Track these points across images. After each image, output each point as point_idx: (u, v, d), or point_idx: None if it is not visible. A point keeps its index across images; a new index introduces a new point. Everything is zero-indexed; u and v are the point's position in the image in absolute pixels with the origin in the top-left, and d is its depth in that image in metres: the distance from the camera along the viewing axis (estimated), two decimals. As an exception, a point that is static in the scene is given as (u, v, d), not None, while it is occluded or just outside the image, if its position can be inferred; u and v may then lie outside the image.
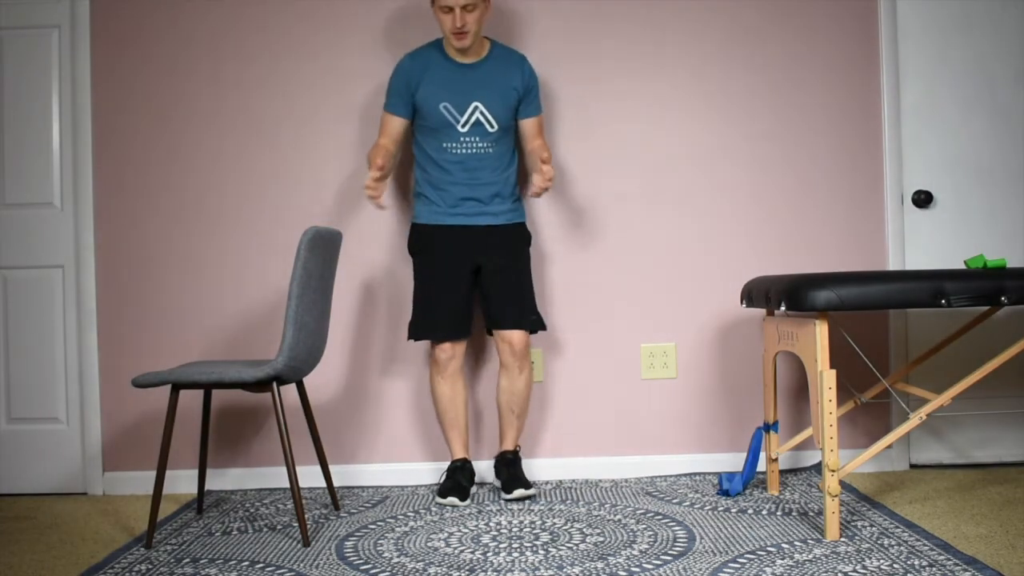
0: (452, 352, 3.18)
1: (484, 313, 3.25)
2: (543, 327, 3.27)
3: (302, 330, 2.75)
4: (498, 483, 3.28)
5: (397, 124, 3.19)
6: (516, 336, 3.19)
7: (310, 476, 3.47)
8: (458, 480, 3.19)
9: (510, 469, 3.27)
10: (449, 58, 3.17)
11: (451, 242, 3.16)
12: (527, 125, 3.25)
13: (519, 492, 3.20)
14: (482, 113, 3.13)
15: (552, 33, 3.51)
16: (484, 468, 3.46)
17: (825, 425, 2.60)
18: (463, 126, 3.13)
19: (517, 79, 3.19)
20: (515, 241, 3.24)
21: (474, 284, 3.21)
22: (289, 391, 3.45)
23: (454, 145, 3.14)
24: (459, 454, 3.26)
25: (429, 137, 3.17)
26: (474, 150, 3.15)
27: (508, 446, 3.31)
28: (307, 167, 3.52)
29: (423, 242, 3.20)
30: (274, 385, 2.74)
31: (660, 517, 2.93)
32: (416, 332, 3.19)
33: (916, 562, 2.40)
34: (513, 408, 3.26)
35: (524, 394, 3.25)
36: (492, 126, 3.15)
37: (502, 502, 3.18)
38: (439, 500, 3.14)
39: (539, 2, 3.51)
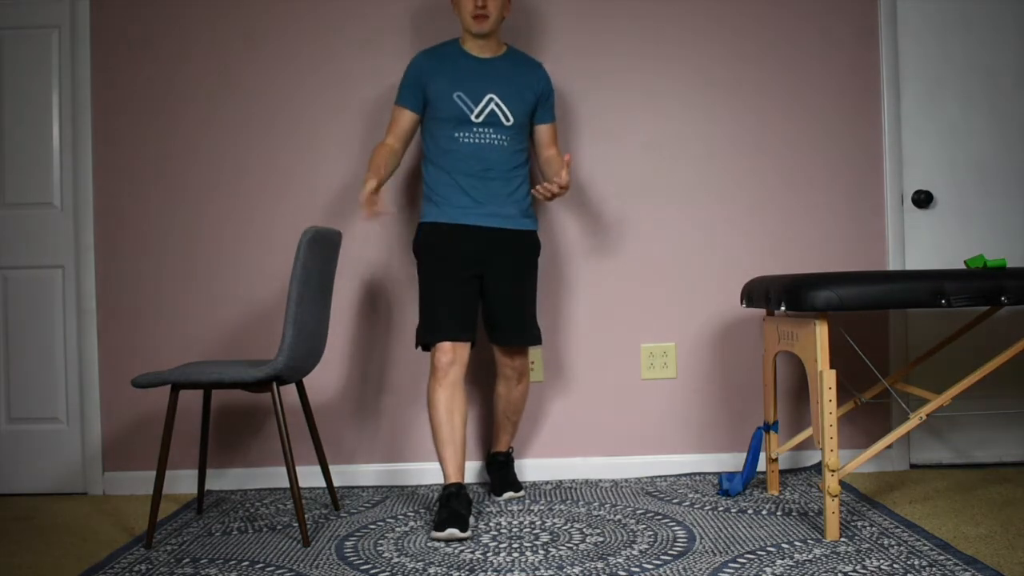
0: (453, 356, 2.90)
1: (484, 322, 3.12)
2: (539, 342, 3.14)
3: (302, 330, 2.75)
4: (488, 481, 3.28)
5: (407, 118, 3.06)
6: (518, 352, 3.13)
7: (310, 476, 3.47)
8: (455, 509, 2.78)
9: (502, 471, 3.28)
10: (465, 53, 3.04)
11: (458, 241, 2.98)
12: (542, 131, 3.15)
13: (508, 495, 3.23)
14: (497, 105, 2.99)
15: (556, 30, 3.51)
16: (475, 468, 3.46)
17: (825, 425, 2.60)
18: (477, 116, 2.97)
19: (533, 81, 3.08)
20: (525, 251, 3.09)
21: (479, 289, 3.04)
22: (289, 391, 3.45)
23: (466, 134, 2.98)
24: (453, 478, 2.87)
25: (440, 128, 3.00)
26: (487, 140, 2.98)
27: (501, 448, 3.32)
28: (306, 167, 3.52)
29: (429, 240, 3.01)
30: (274, 385, 2.74)
31: (660, 517, 2.93)
32: (421, 336, 2.98)
33: (916, 562, 2.40)
34: (510, 415, 3.25)
35: (521, 402, 3.23)
36: (508, 119, 3.00)
37: (501, 503, 3.18)
38: (435, 535, 2.73)
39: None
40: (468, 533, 2.73)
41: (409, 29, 3.48)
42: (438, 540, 2.74)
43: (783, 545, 2.59)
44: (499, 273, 3.03)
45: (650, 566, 2.45)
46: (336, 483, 3.49)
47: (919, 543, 2.56)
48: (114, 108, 3.52)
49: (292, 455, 2.75)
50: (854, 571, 2.35)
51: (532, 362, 3.49)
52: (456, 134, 2.98)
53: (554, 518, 2.96)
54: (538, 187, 2.85)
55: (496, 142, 2.99)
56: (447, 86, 2.98)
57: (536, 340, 3.13)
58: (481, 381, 3.51)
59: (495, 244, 3.01)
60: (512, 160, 3.02)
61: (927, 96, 3.54)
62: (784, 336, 2.90)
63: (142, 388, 2.73)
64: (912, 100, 3.54)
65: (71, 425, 3.54)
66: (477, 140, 2.98)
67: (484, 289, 3.05)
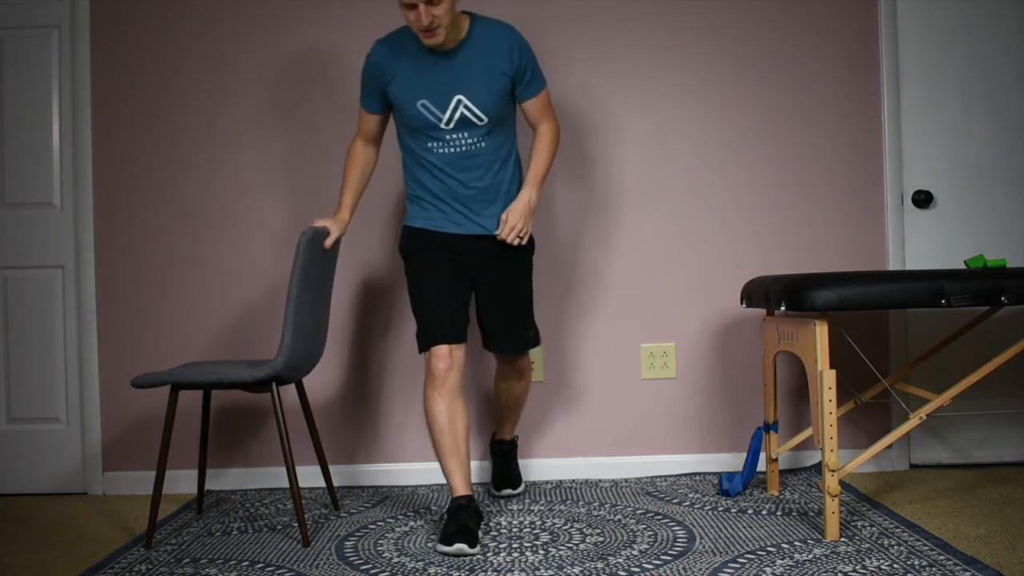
0: (450, 361, 2.72)
1: (480, 326, 2.99)
2: (537, 343, 3.03)
3: (301, 330, 2.74)
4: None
5: (372, 120, 2.89)
6: (516, 358, 3.05)
7: (310, 476, 3.47)
8: (464, 522, 2.62)
9: (504, 463, 3.27)
10: (423, 46, 2.72)
11: (445, 246, 2.83)
12: (529, 107, 2.87)
13: (506, 492, 3.23)
14: (467, 107, 2.72)
15: (558, 28, 3.51)
16: (475, 468, 3.47)
17: (825, 425, 2.60)
18: (447, 123, 2.73)
19: (504, 62, 2.74)
20: (516, 253, 2.89)
21: (471, 288, 2.91)
22: (288, 391, 3.45)
23: (439, 145, 2.76)
24: (461, 490, 2.70)
25: (412, 138, 2.80)
26: (464, 148, 2.76)
27: (505, 436, 3.28)
28: (305, 167, 3.52)
29: (414, 244, 2.86)
30: (273, 385, 2.74)
31: (660, 517, 2.93)
32: (421, 340, 2.80)
33: (916, 562, 2.40)
34: (511, 406, 3.20)
35: (523, 396, 3.19)
36: (481, 119, 2.73)
37: (501, 503, 3.18)
38: (442, 548, 2.58)
39: None
40: (477, 549, 2.58)
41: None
42: (446, 554, 2.60)
43: (783, 545, 2.59)
44: (492, 281, 2.90)
45: (650, 566, 2.45)
46: (336, 483, 3.49)
47: (919, 543, 2.56)
48: (114, 108, 3.52)
49: (292, 455, 2.75)
50: (854, 571, 2.34)
51: (532, 362, 3.48)
52: (429, 144, 2.77)
53: (554, 518, 2.96)
54: (496, 235, 2.79)
55: (474, 147, 2.77)
56: (408, 93, 2.74)
57: (533, 343, 3.03)
58: (480, 373, 3.51)
59: (487, 253, 2.86)
60: (494, 159, 2.81)
61: (927, 96, 3.54)
62: (784, 336, 2.90)
63: (142, 388, 2.73)
64: (912, 100, 3.54)
65: (71, 425, 3.54)
66: (452, 149, 2.77)
67: (476, 295, 2.94)
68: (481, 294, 2.93)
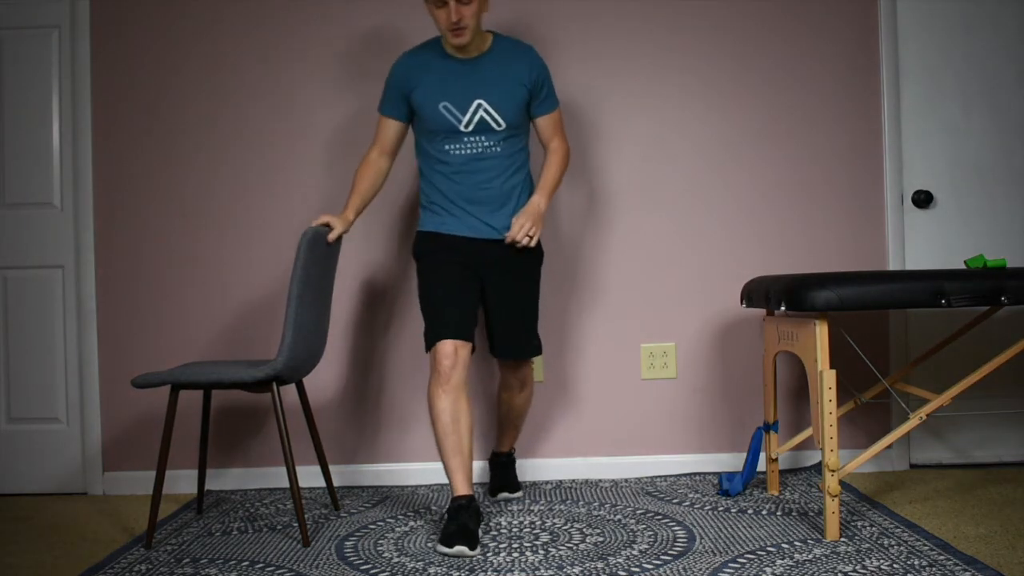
0: (455, 358, 2.73)
1: (487, 331, 3.04)
2: (539, 352, 3.06)
3: (301, 330, 2.75)
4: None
5: (391, 127, 2.96)
6: (521, 364, 3.07)
7: (310, 476, 3.47)
8: (464, 523, 2.63)
9: (502, 472, 3.27)
10: (448, 55, 2.88)
11: (455, 248, 2.89)
12: (542, 124, 2.98)
13: (503, 495, 3.23)
14: (486, 111, 2.83)
15: (558, 28, 3.51)
16: (476, 467, 3.47)
17: (825, 425, 2.60)
18: (466, 126, 2.83)
19: (524, 73, 2.88)
20: (527, 261, 2.96)
21: (480, 292, 2.93)
22: (289, 391, 3.45)
23: (457, 146, 2.85)
24: (462, 490, 2.70)
25: (430, 141, 2.89)
26: (479, 150, 2.85)
27: (504, 448, 3.29)
28: (306, 166, 3.52)
29: (426, 247, 2.92)
30: (274, 385, 2.74)
31: (660, 517, 2.93)
32: (427, 338, 2.82)
33: (916, 562, 2.40)
34: (513, 419, 3.20)
35: (525, 407, 3.18)
36: (499, 124, 2.84)
37: (501, 503, 3.18)
38: (443, 549, 2.59)
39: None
40: (477, 551, 2.59)
41: (411, 31, 3.48)
42: (446, 555, 2.61)
43: (783, 545, 2.59)
44: (501, 286, 2.94)
45: (650, 566, 2.45)
46: (336, 483, 3.49)
47: (919, 543, 2.56)
48: (114, 108, 3.52)
49: (292, 455, 2.75)
50: (854, 571, 2.35)
51: (532, 362, 3.49)
52: (447, 146, 2.86)
53: (554, 518, 2.96)
54: (506, 236, 2.85)
55: (490, 150, 2.86)
56: (431, 96, 2.85)
57: (536, 351, 3.06)
58: (483, 378, 3.51)
59: (496, 256, 2.91)
60: (509, 165, 2.90)
61: (927, 96, 3.54)
62: (784, 336, 2.90)
63: (142, 388, 2.73)
64: (912, 100, 3.54)
65: (71, 425, 3.54)
66: (469, 151, 2.86)
67: (485, 300, 2.97)
68: (489, 297, 2.97)
